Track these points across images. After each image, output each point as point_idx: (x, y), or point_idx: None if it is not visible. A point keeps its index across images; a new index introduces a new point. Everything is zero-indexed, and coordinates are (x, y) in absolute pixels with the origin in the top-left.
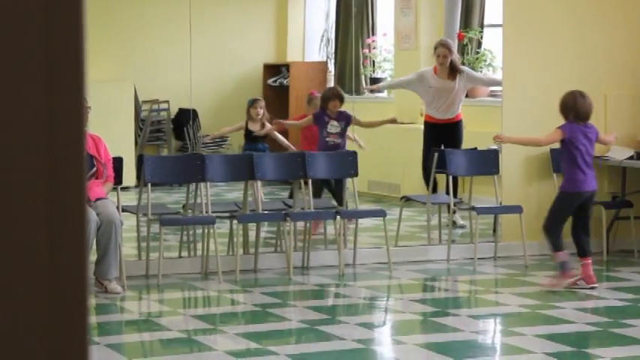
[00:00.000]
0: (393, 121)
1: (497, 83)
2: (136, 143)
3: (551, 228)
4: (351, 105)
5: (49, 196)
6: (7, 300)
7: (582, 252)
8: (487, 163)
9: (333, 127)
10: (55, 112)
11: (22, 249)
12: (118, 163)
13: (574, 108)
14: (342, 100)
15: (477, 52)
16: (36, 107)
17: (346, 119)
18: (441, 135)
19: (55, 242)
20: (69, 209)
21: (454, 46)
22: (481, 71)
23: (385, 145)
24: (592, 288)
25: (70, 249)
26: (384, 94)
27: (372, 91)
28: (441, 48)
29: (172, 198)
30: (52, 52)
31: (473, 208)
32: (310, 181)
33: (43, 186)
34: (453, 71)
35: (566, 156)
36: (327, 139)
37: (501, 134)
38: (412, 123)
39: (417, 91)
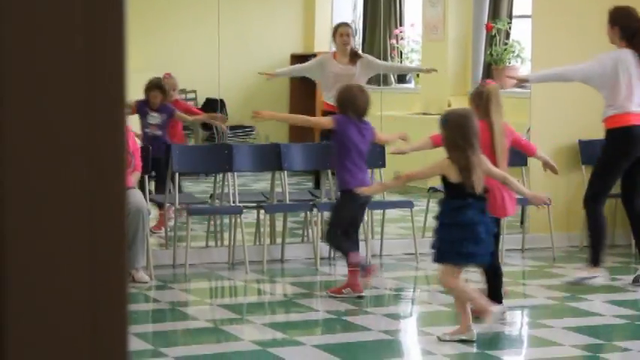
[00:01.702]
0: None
1: (401, 70)
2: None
3: (330, 235)
4: (378, 95)
5: (89, 186)
6: (51, 293)
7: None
8: (515, 154)
9: (153, 118)
10: (97, 103)
11: (65, 241)
12: (145, 152)
13: (353, 103)
14: (162, 91)
15: (506, 44)
16: (77, 98)
17: (168, 112)
18: None
19: (95, 233)
20: (109, 201)
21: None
22: (509, 63)
23: (412, 136)
24: (359, 297)
25: (110, 238)
26: (412, 84)
27: (268, 78)
28: (345, 27)
29: (200, 188)
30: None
31: None
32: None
33: (84, 175)
34: (353, 56)
35: (337, 152)
36: (147, 130)
37: (261, 112)
38: (440, 114)
39: (317, 78)
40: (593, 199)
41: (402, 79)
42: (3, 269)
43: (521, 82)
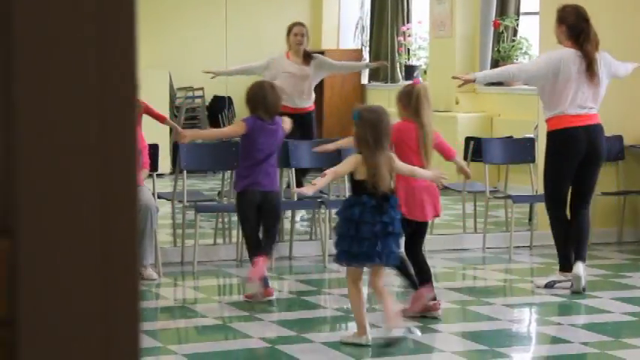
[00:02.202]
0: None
1: (352, 68)
2: (171, 130)
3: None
4: (386, 93)
5: (100, 185)
6: (62, 290)
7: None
8: (523, 151)
9: None
10: (108, 101)
11: (76, 238)
12: (153, 149)
13: (264, 101)
14: None
15: (513, 40)
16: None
17: None
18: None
19: (106, 232)
20: (120, 197)
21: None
22: (517, 60)
23: None
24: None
25: (122, 236)
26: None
27: (212, 77)
28: (299, 27)
29: (208, 185)
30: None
31: (509, 197)
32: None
33: (95, 174)
34: (307, 56)
35: (243, 151)
36: None
37: (183, 131)
38: (447, 111)
39: (268, 78)
40: (549, 206)
41: (409, 76)
42: (15, 269)
43: (468, 83)
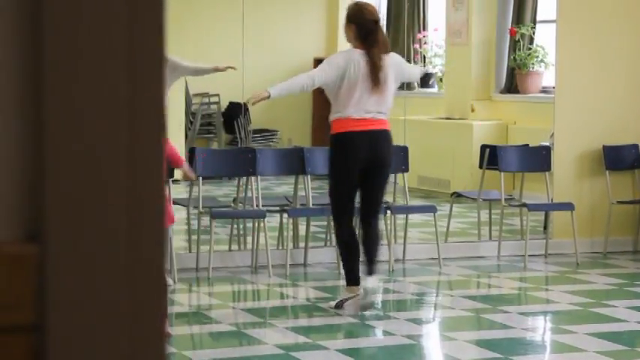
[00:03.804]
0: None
1: (199, 71)
2: (187, 136)
3: None
4: (402, 100)
5: (129, 190)
6: (90, 296)
7: None
8: (538, 159)
9: None
10: (137, 108)
11: (103, 244)
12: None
13: None
14: None
15: (529, 48)
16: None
17: None
18: None
19: (133, 237)
20: (148, 204)
21: None
22: (533, 68)
23: (435, 141)
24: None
25: (149, 241)
26: (435, 89)
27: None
28: None
29: (223, 191)
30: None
31: (524, 205)
32: None
33: (124, 179)
34: None
35: None
36: None
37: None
38: (463, 118)
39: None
40: (334, 215)
41: (425, 83)
42: (43, 275)
43: (262, 100)
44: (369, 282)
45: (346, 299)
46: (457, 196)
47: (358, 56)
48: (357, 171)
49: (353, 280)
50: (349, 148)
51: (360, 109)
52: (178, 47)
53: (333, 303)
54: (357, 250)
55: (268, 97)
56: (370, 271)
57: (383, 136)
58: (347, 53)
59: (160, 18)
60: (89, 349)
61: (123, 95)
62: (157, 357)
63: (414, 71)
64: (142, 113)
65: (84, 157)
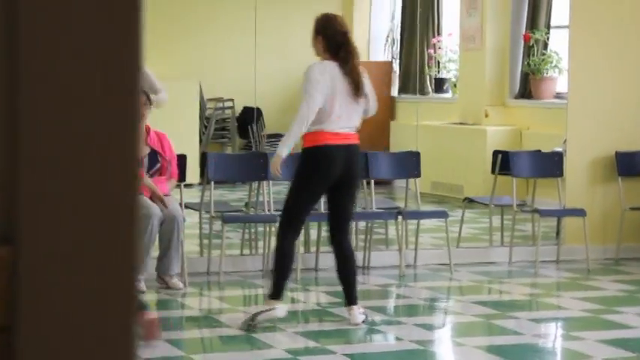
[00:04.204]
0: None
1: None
2: (201, 141)
3: None
4: (415, 106)
5: (102, 192)
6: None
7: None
8: (551, 165)
9: None
10: (109, 109)
11: (76, 246)
12: (181, 160)
13: None
14: None
15: (543, 54)
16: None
17: None
18: None
19: (105, 238)
20: (120, 207)
21: None
22: (547, 73)
23: (448, 146)
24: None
25: (121, 244)
26: (449, 94)
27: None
28: None
29: (235, 196)
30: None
31: (536, 211)
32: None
33: (97, 181)
34: None
35: None
36: None
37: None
38: (476, 124)
39: None
40: (285, 230)
41: (439, 88)
42: (15, 276)
43: (281, 161)
44: (355, 316)
45: (262, 312)
46: (469, 201)
47: (336, 68)
48: (328, 186)
49: (278, 294)
50: (324, 162)
51: (337, 122)
52: (192, 51)
53: (246, 317)
54: (291, 266)
55: (283, 158)
56: (352, 300)
57: (356, 150)
58: (323, 66)
59: None
60: (59, 351)
61: (96, 95)
62: (126, 358)
63: (372, 105)
64: (114, 114)
65: (58, 161)
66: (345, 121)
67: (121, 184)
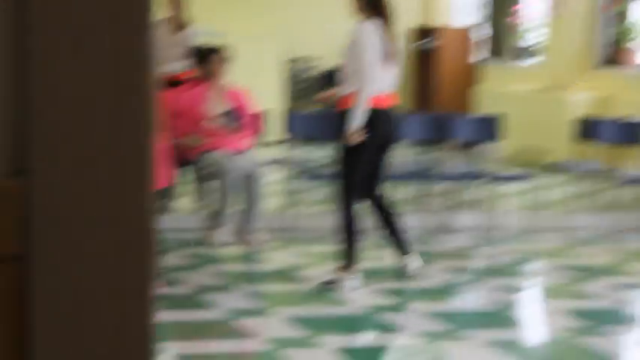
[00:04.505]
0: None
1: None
2: (285, 99)
3: None
4: (501, 71)
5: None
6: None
7: None
8: (637, 132)
9: None
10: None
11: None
12: (262, 117)
13: None
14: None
15: (624, 25)
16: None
17: None
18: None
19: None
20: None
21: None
22: (634, 41)
23: (534, 112)
24: None
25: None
26: (535, 60)
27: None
28: None
29: (319, 153)
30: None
31: (620, 177)
32: None
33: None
34: (179, 25)
35: None
36: None
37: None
38: (562, 90)
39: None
40: (345, 198)
41: (525, 54)
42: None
43: (356, 135)
44: (413, 262)
45: (335, 281)
46: (553, 166)
47: (378, 29)
48: (376, 146)
49: (350, 263)
50: (375, 123)
51: (380, 83)
52: (276, 12)
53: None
54: (358, 231)
55: (356, 128)
56: (406, 248)
57: (395, 111)
58: (372, 26)
59: None
60: (72, 278)
61: (108, 39)
62: (141, 286)
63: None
64: (125, 61)
65: (70, 96)
66: (387, 82)
67: (132, 124)
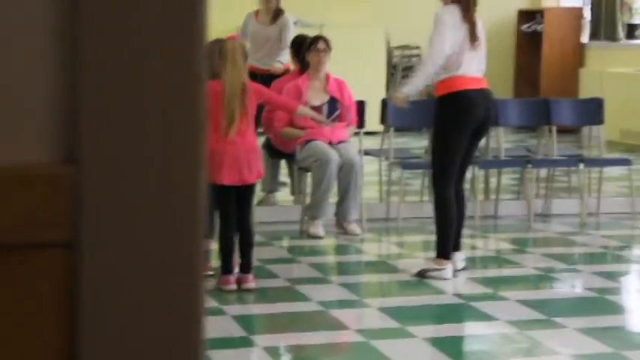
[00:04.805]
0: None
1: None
2: (387, 89)
3: None
4: (603, 52)
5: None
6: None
7: None
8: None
9: None
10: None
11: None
12: (361, 106)
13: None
14: None
15: None
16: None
17: None
18: None
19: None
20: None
21: None
22: None
23: (639, 94)
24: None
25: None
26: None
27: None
28: None
29: (418, 143)
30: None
31: None
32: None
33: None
34: (275, 16)
35: None
36: None
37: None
38: None
39: (245, 39)
40: (442, 181)
41: (630, 35)
42: (79, 194)
43: (403, 100)
44: (459, 261)
45: (431, 270)
46: None
47: (460, 13)
48: (471, 129)
49: (446, 252)
50: (466, 107)
51: (469, 67)
52: (380, 0)
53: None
54: (454, 217)
55: (406, 96)
56: (459, 246)
57: (491, 94)
58: (453, 11)
59: None
60: (122, 265)
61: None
62: (191, 278)
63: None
64: (178, 46)
65: (120, 81)
66: (474, 67)
67: (185, 117)
